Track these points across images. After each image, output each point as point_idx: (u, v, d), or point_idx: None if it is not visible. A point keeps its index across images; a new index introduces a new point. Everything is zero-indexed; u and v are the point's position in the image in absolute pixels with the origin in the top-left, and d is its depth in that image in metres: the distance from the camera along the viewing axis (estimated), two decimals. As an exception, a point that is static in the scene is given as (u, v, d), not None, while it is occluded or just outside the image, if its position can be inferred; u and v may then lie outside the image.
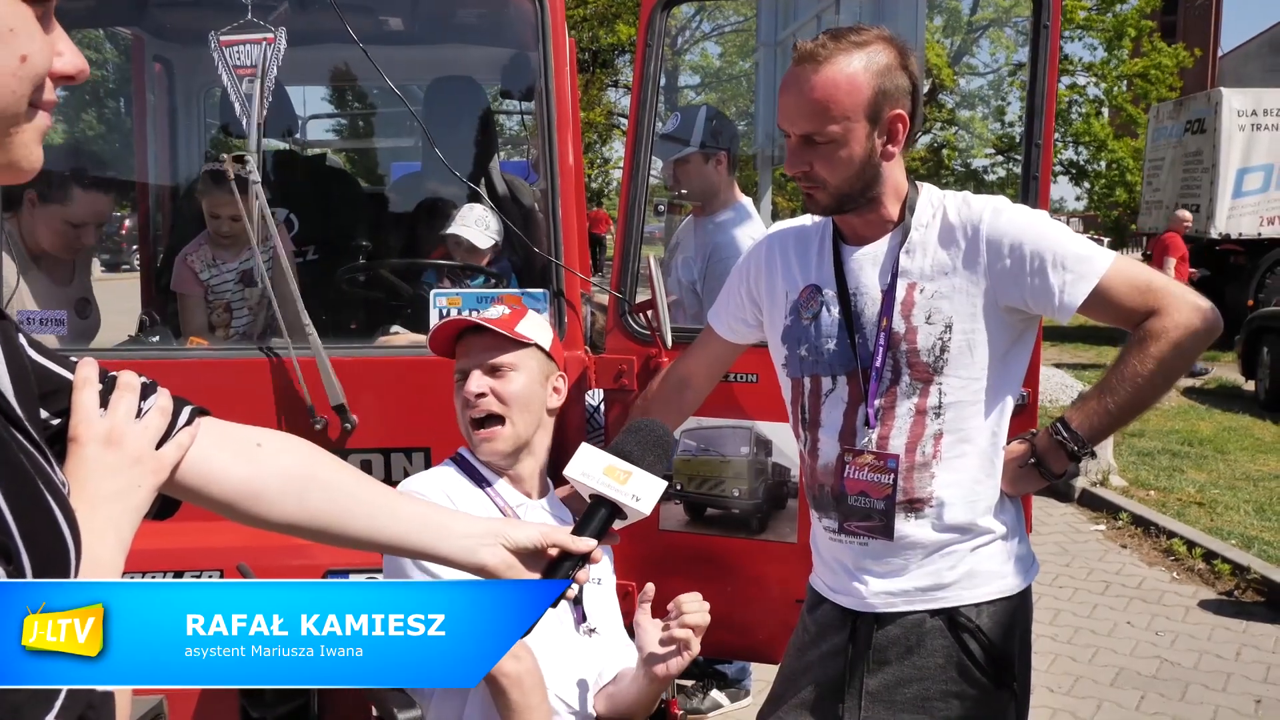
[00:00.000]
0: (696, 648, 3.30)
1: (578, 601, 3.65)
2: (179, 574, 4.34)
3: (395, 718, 3.50)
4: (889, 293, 3.24)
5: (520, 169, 8.23)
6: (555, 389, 3.86)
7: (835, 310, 3.35)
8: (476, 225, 5.69)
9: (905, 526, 3.30)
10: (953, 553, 3.31)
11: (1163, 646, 7.86)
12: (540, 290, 4.68)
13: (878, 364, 3.25)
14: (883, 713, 3.33)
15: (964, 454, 3.27)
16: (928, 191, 3.32)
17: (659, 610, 3.41)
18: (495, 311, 3.86)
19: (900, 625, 3.35)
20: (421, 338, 4.70)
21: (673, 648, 3.31)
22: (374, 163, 12.04)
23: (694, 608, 3.30)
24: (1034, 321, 3.32)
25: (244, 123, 4.58)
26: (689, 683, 6.74)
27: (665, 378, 4.04)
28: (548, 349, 3.85)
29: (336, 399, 4.38)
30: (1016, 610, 3.39)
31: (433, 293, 4.68)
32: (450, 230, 5.69)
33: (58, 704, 1.37)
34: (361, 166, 12.27)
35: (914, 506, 3.29)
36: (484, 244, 5.66)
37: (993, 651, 3.31)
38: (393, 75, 4.83)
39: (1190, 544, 9.81)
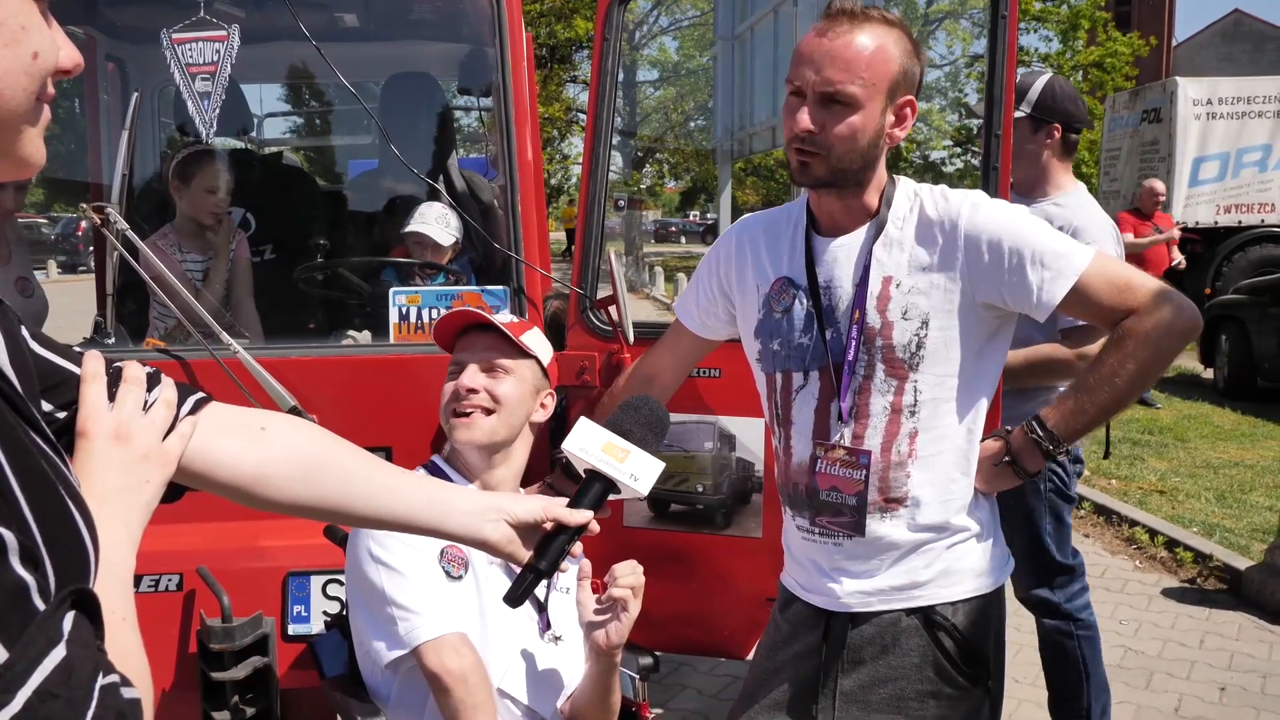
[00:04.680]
0: (634, 609, 3.28)
1: (542, 609, 3.62)
2: (137, 578, 4.30)
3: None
4: (862, 286, 3.20)
5: (479, 165, 8.21)
6: (543, 404, 3.84)
7: (807, 303, 3.31)
8: (438, 223, 5.66)
9: (880, 526, 3.27)
10: (928, 551, 3.28)
11: (1126, 635, 7.86)
12: (501, 287, 4.65)
13: (849, 358, 3.21)
14: (857, 713, 3.30)
15: (940, 452, 3.24)
16: (904, 185, 3.28)
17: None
18: (504, 316, 3.85)
19: (875, 624, 3.32)
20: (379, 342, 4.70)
21: (609, 615, 3.28)
22: (331, 160, 11.99)
23: (627, 570, 3.29)
24: (1011, 318, 3.28)
25: (198, 121, 4.56)
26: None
27: (632, 374, 3.98)
28: (545, 365, 3.85)
29: (286, 404, 4.35)
30: (991, 608, 3.38)
31: (392, 291, 4.66)
32: (411, 228, 5.66)
33: (89, 714, 1.34)
34: (319, 164, 12.21)
35: (889, 506, 3.25)
36: (447, 241, 5.64)
37: (968, 650, 3.30)
38: (348, 72, 4.80)
39: (1152, 532, 9.83)
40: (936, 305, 3.14)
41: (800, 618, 3.48)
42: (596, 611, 3.31)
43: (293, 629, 4.35)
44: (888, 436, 3.22)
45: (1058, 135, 5.19)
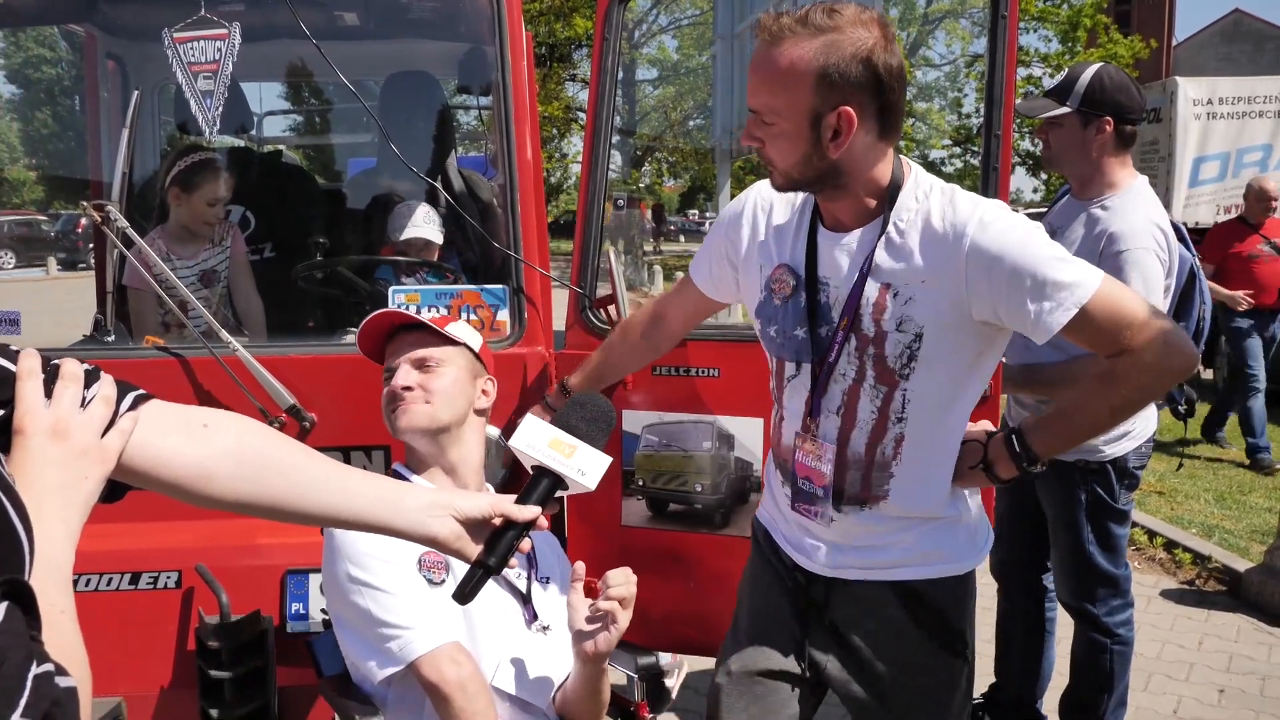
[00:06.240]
0: (623, 622, 3.28)
1: (527, 600, 3.63)
2: (136, 575, 4.31)
3: (355, 720, 3.49)
4: (857, 291, 3.15)
5: (478, 164, 8.21)
6: (484, 390, 3.84)
7: (804, 297, 3.29)
8: (427, 223, 5.76)
9: (859, 518, 3.32)
10: (905, 537, 3.33)
11: (1125, 636, 7.83)
12: (500, 286, 4.65)
13: (831, 358, 3.22)
14: (835, 672, 3.48)
15: (924, 455, 3.25)
16: (913, 182, 3.18)
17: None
18: (426, 314, 3.86)
19: (852, 592, 3.41)
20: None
21: (599, 624, 3.29)
22: (330, 159, 11.99)
23: (619, 580, 3.28)
24: (1007, 330, 3.20)
25: (200, 120, 4.57)
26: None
27: (647, 310, 4.04)
28: (477, 351, 3.85)
29: (285, 402, 4.36)
30: (967, 585, 3.44)
31: (391, 290, 4.66)
32: (411, 235, 5.70)
33: (22, 701, 1.35)
34: (318, 163, 12.21)
35: (871, 500, 3.30)
36: (440, 239, 5.73)
37: (944, 623, 3.38)
38: (348, 71, 4.80)
39: (1151, 533, 9.79)
40: (932, 319, 3.08)
41: (782, 560, 3.59)
42: (587, 619, 3.31)
43: (291, 627, 4.36)
44: (874, 438, 3.24)
45: (1110, 129, 5.01)
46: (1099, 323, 2.99)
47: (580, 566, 3.38)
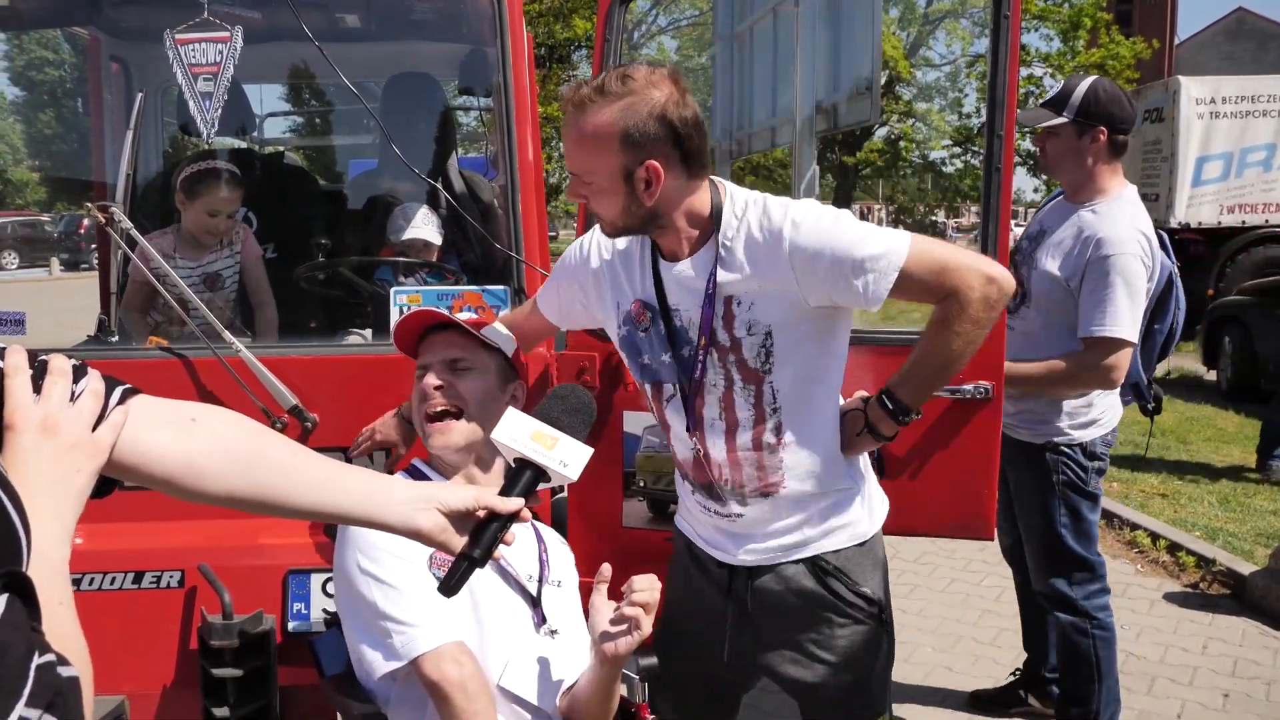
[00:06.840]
0: (647, 627, 3.30)
1: (536, 603, 3.64)
2: (139, 575, 4.32)
3: (356, 720, 3.50)
4: (708, 309, 3.42)
5: (479, 165, 8.21)
6: (514, 396, 3.85)
7: (662, 325, 3.54)
8: (427, 224, 5.79)
9: (764, 506, 3.63)
10: (809, 514, 3.63)
11: (1128, 640, 7.75)
12: (501, 287, 4.65)
13: (698, 375, 3.48)
14: (764, 651, 3.78)
15: (806, 436, 3.53)
16: (731, 202, 3.46)
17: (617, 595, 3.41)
18: (462, 315, 3.89)
19: (772, 574, 3.69)
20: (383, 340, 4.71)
21: (623, 627, 3.30)
22: (332, 160, 12.00)
23: (644, 585, 3.31)
24: (847, 308, 3.48)
25: (199, 122, 4.57)
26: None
27: (503, 323, 4.14)
28: (510, 356, 3.88)
29: (287, 402, 4.37)
30: (872, 551, 3.75)
31: (393, 290, 4.67)
32: (411, 235, 5.71)
33: (26, 692, 1.36)
34: (319, 164, 12.22)
35: (769, 489, 3.58)
36: (439, 240, 5.76)
37: (856, 590, 3.67)
38: (350, 72, 4.81)
39: (1154, 536, 9.74)
40: (776, 317, 3.38)
41: (703, 562, 3.87)
42: (611, 622, 3.33)
43: (293, 626, 4.36)
44: (757, 432, 3.51)
45: (1103, 139, 5.26)
46: (919, 277, 3.31)
47: (606, 568, 3.42)
